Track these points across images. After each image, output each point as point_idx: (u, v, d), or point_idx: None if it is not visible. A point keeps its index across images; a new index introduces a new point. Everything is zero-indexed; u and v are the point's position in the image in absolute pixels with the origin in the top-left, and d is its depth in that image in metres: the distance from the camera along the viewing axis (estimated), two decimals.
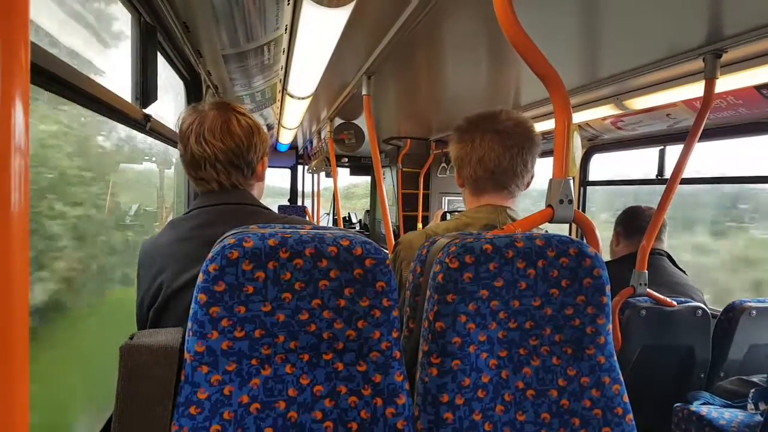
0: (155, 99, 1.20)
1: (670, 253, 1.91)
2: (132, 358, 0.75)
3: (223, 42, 1.46)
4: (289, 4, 1.25)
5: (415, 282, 0.93)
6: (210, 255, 0.75)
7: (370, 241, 0.81)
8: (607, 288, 0.91)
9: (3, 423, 0.31)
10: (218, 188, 1.02)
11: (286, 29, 1.47)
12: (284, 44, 1.63)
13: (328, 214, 6.69)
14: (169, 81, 1.78)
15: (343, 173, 5.99)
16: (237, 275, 0.75)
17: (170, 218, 2.23)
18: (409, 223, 4.51)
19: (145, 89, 1.17)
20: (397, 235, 4.06)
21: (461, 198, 1.23)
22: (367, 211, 6.20)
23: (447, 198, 4.72)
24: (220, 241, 0.79)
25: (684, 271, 1.88)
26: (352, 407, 0.79)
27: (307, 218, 5.57)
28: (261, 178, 1.10)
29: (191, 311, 0.76)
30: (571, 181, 0.92)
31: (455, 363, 0.85)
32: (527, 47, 0.85)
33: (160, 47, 1.34)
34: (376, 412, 0.80)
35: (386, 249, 2.42)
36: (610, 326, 0.93)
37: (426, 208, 4.61)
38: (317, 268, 0.78)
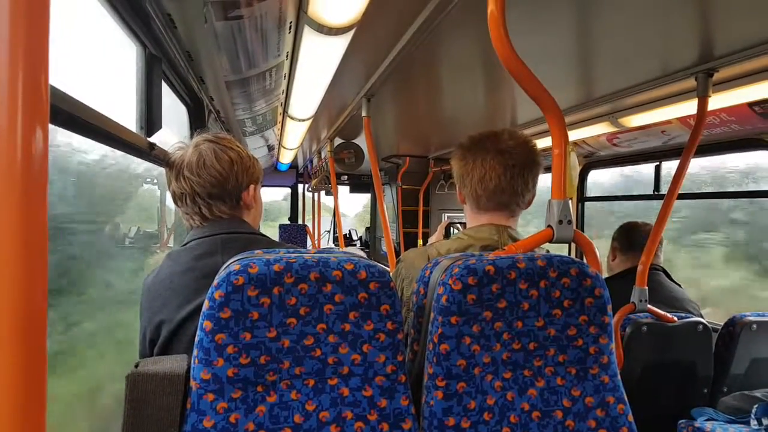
0: (160, 127, 1.22)
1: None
2: (138, 386, 0.75)
3: (225, 69, 1.49)
4: (290, 32, 1.28)
5: (418, 303, 0.93)
6: (215, 282, 0.76)
7: (374, 263, 0.82)
8: (609, 307, 0.91)
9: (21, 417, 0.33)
10: (202, 221, 1.04)
11: (287, 56, 1.50)
12: (285, 70, 1.66)
13: (329, 231, 6.69)
14: (172, 107, 1.82)
15: (343, 191, 6.02)
16: (242, 301, 0.75)
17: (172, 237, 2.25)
18: (410, 240, 4.53)
19: (150, 118, 1.19)
20: (397, 253, 4.06)
21: (461, 213, 1.25)
22: (368, 228, 6.21)
23: (446, 214, 4.75)
24: (226, 267, 0.80)
25: (680, 285, 1.88)
26: None
27: (308, 236, 5.58)
28: (250, 206, 1.10)
29: (197, 339, 0.76)
30: (570, 202, 0.93)
31: (460, 385, 0.85)
32: (521, 71, 0.87)
33: (164, 76, 1.37)
34: None
35: (387, 265, 2.42)
36: (613, 346, 0.93)
37: (426, 224, 4.63)
38: (322, 292, 0.79)
